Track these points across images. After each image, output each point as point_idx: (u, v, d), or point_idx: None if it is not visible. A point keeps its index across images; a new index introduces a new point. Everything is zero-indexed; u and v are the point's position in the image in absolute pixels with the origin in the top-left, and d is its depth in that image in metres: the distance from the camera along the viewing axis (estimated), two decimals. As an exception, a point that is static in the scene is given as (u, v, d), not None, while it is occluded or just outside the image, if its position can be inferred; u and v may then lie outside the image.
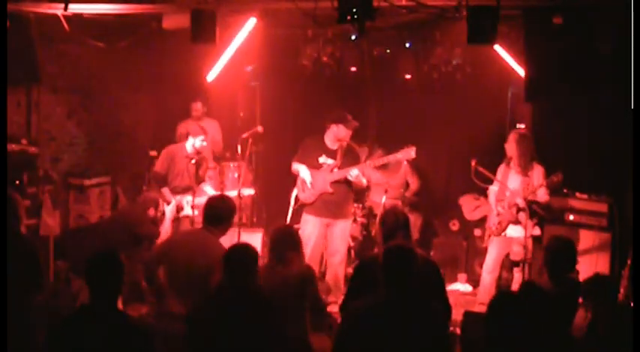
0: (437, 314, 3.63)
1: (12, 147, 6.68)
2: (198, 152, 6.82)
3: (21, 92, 7.37)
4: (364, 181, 6.40)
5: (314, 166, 6.32)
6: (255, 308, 3.75)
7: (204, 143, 6.84)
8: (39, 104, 7.58)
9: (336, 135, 6.29)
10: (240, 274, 3.80)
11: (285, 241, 4.60)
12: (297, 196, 6.50)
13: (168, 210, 6.63)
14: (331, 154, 6.32)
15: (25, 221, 5.29)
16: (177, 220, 6.69)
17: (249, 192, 7.38)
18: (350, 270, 7.26)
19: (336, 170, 6.29)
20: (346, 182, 6.30)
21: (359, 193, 7.76)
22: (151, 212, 6.22)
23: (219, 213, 4.82)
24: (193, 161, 6.66)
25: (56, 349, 3.34)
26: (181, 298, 4.47)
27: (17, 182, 6.68)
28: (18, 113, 7.36)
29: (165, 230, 6.54)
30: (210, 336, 3.75)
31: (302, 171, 6.33)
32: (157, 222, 6.37)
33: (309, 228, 6.31)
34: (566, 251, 4.69)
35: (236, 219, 6.97)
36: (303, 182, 6.35)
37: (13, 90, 6.91)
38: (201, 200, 6.71)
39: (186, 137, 8.08)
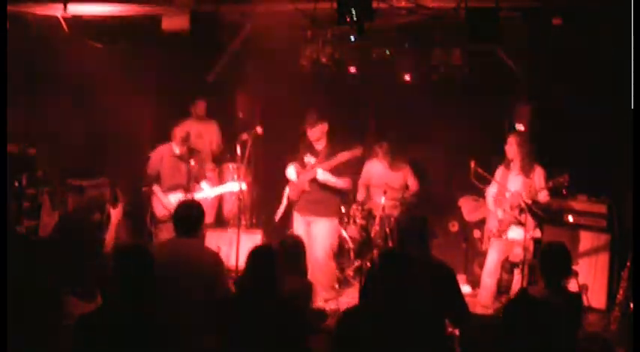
0: (432, 323, 3.51)
1: (11, 148, 6.67)
2: (191, 149, 6.73)
3: (20, 93, 7.37)
4: (333, 180, 6.20)
5: (301, 165, 6.48)
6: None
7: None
8: (38, 105, 7.58)
9: (310, 136, 6.36)
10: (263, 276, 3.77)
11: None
12: (287, 194, 6.61)
13: (113, 215, 6.41)
14: (315, 153, 6.40)
15: (25, 222, 5.26)
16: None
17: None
18: (350, 272, 7.29)
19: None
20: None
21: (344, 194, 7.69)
22: (97, 216, 5.76)
23: (195, 218, 4.43)
24: (192, 162, 6.64)
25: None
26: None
27: (16, 183, 6.68)
28: (17, 114, 7.35)
29: (110, 235, 6.26)
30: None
31: (289, 169, 6.50)
32: (102, 226, 5.88)
33: (296, 225, 6.54)
34: (560, 256, 4.33)
35: (236, 220, 6.99)
36: (290, 180, 6.53)
37: (12, 92, 6.90)
38: (199, 195, 6.68)
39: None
